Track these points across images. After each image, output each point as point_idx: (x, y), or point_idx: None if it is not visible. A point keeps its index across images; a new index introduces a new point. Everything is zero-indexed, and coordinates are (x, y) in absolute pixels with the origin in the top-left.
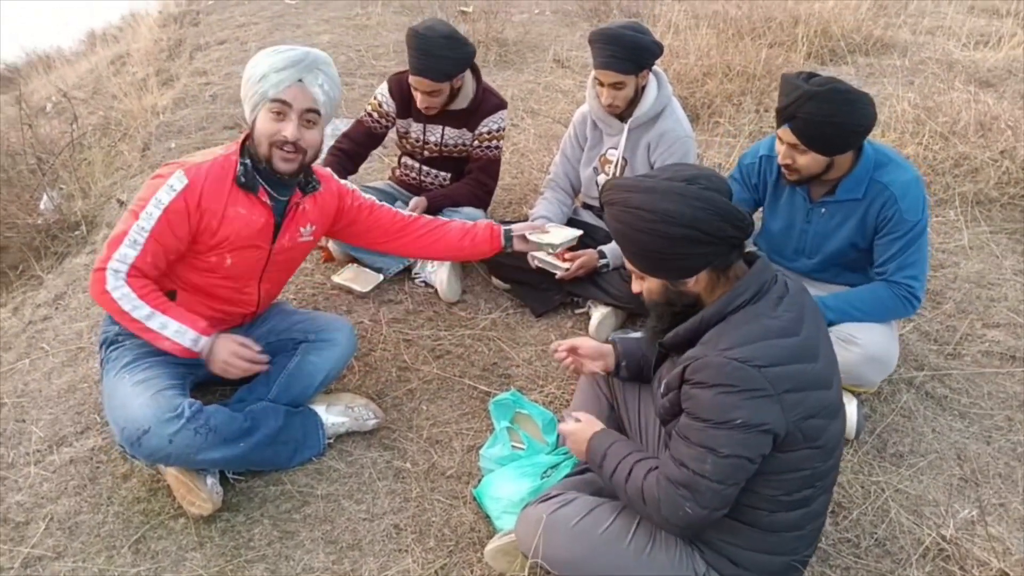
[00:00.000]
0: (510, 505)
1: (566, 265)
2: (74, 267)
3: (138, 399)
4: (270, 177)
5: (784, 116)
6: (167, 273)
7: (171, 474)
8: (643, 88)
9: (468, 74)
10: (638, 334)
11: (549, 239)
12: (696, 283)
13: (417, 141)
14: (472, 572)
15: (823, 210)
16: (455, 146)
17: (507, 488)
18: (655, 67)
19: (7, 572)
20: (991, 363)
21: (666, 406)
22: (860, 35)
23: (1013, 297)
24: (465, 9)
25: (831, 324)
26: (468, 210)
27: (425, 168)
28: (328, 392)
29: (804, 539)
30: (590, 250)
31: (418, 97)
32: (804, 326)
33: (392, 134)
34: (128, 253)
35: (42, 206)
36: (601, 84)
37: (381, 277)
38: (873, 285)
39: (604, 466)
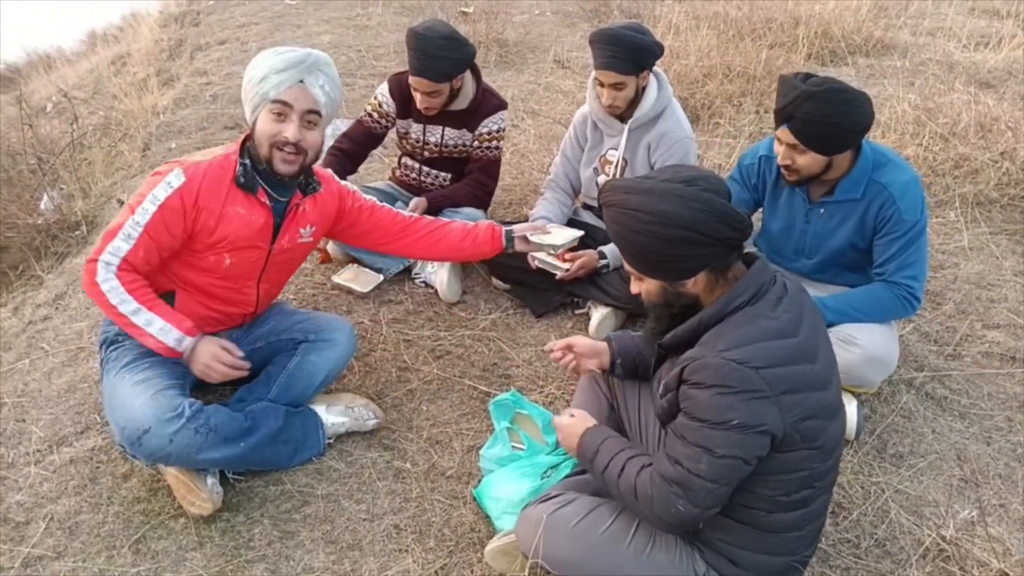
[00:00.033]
0: (510, 505)
1: (566, 266)
2: (74, 267)
3: (138, 399)
4: (270, 178)
5: (782, 116)
6: (165, 272)
7: (171, 474)
8: (643, 89)
9: (468, 75)
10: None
11: (551, 240)
12: (695, 284)
13: (417, 142)
14: (472, 572)
15: (822, 210)
16: (455, 147)
17: (507, 488)
18: (655, 68)
19: (7, 572)
20: (991, 364)
21: (664, 407)
22: (860, 36)
23: (1013, 298)
24: (466, 10)
25: (831, 325)
26: (468, 210)
27: (425, 169)
28: (328, 392)
29: (804, 539)
30: (590, 251)
31: (418, 97)
32: (802, 327)
33: (392, 134)
34: (121, 247)
35: (42, 206)
36: (602, 85)
37: (381, 277)
38: (872, 286)
39: (596, 461)
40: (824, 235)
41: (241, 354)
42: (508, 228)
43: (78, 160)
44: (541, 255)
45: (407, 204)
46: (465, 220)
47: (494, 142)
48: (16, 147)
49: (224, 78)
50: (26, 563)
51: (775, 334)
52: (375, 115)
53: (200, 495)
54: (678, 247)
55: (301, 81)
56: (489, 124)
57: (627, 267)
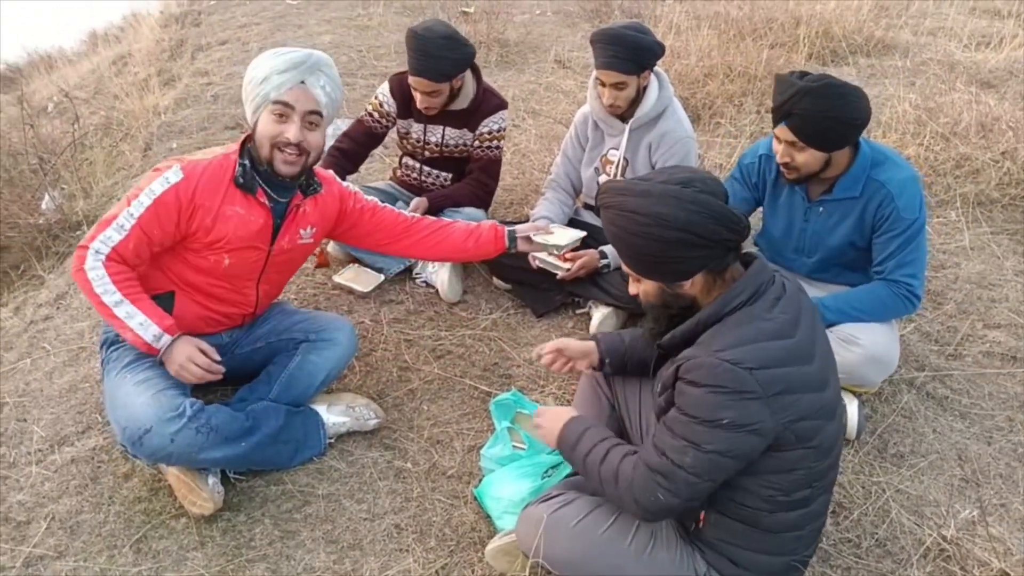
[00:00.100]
0: (511, 505)
1: (567, 265)
2: None
3: (139, 398)
4: (270, 179)
5: (780, 114)
6: (165, 272)
7: (172, 474)
8: (644, 88)
9: (468, 74)
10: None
11: (554, 240)
12: (692, 285)
13: (418, 141)
14: (473, 572)
15: (821, 209)
16: (456, 146)
17: (508, 488)
18: (656, 68)
19: (9, 571)
20: (992, 364)
21: (662, 404)
22: (861, 36)
23: (1014, 298)
24: (466, 10)
25: (831, 325)
26: (469, 210)
27: (426, 168)
28: (329, 392)
29: (804, 539)
30: (591, 250)
31: (418, 97)
32: (800, 328)
33: (393, 134)
34: (113, 236)
35: (44, 206)
36: (603, 84)
37: (382, 277)
38: (872, 284)
39: (578, 447)
40: (823, 233)
41: (218, 358)
42: (511, 228)
43: (79, 160)
44: (542, 255)
45: (408, 204)
46: (466, 220)
47: (495, 142)
48: (17, 147)
49: (225, 78)
50: (27, 563)
51: (771, 335)
52: (376, 115)
53: (201, 495)
54: (675, 249)
55: (302, 82)
56: (490, 124)
57: (625, 268)
